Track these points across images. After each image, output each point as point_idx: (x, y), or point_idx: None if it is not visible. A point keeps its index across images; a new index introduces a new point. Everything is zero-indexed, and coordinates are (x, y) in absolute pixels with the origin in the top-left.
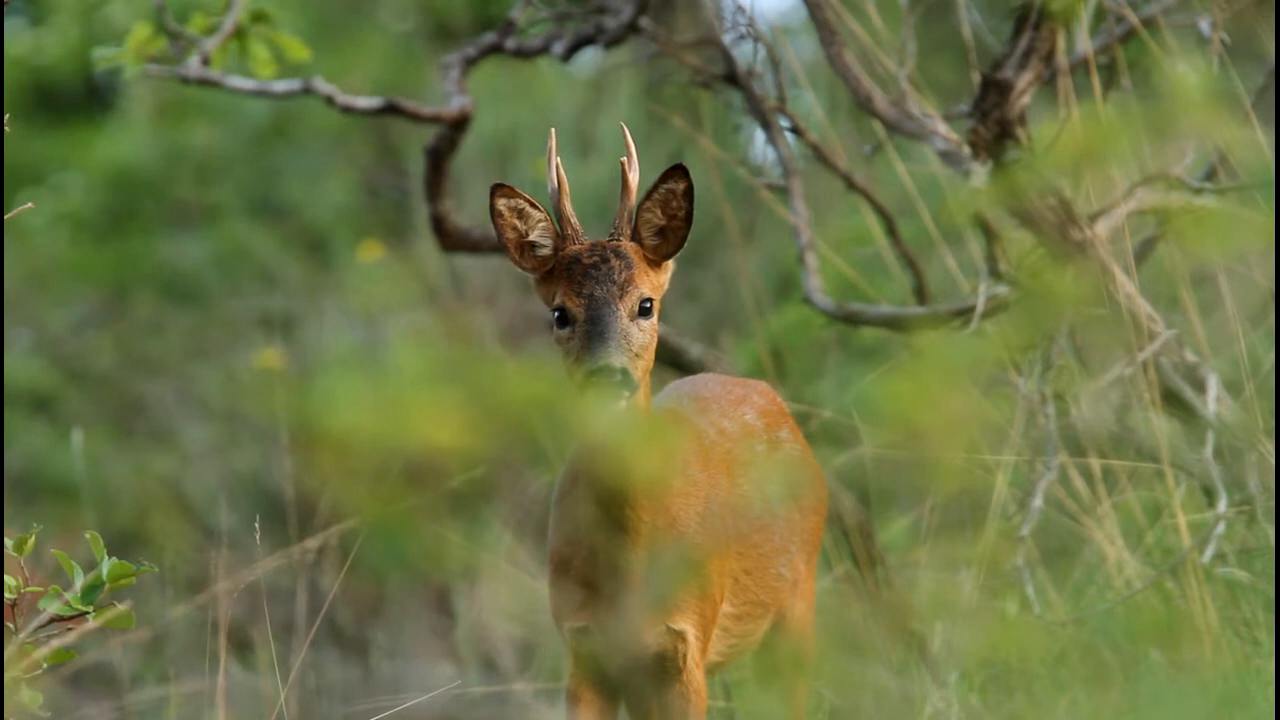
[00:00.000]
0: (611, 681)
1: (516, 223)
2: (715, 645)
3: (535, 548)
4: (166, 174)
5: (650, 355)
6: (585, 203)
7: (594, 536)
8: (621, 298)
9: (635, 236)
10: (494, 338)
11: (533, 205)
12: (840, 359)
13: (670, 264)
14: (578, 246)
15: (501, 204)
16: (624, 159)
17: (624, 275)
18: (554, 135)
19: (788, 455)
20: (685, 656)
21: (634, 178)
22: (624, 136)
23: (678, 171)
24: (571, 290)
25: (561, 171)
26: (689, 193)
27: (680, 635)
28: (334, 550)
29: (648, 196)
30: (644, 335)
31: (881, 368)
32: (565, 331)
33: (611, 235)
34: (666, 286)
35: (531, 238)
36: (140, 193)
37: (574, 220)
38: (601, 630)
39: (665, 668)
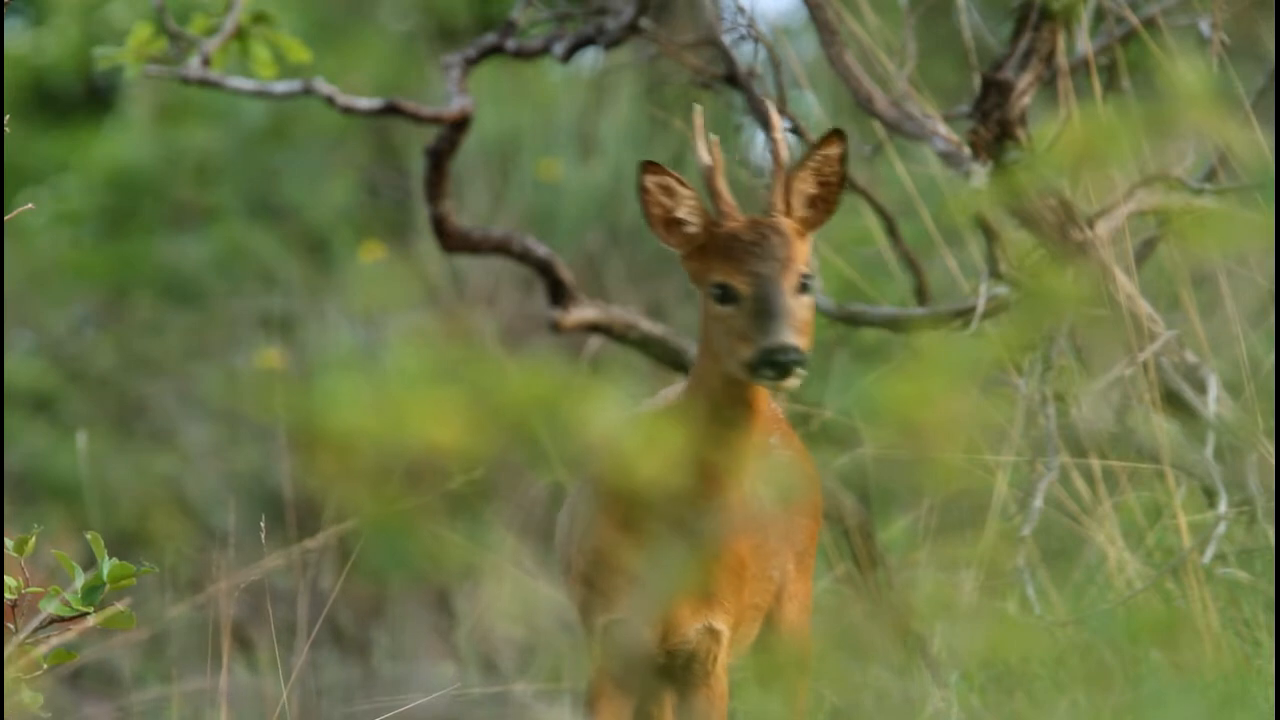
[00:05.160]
0: (634, 684)
1: (664, 200)
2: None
3: (536, 548)
4: (166, 175)
5: (811, 333)
6: (587, 202)
7: (649, 533)
8: (784, 274)
9: (786, 209)
10: (494, 338)
11: (680, 183)
12: (841, 359)
13: (811, 234)
14: (735, 224)
15: (649, 181)
16: (775, 135)
17: (785, 252)
18: (699, 113)
19: (776, 460)
20: (716, 659)
21: (784, 152)
22: (770, 113)
23: (835, 136)
24: (733, 268)
25: (717, 149)
26: (845, 157)
27: (716, 636)
28: (335, 550)
29: (801, 165)
30: (805, 311)
31: (882, 368)
32: (728, 309)
33: (766, 210)
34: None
35: (679, 215)
36: (140, 193)
37: (728, 196)
38: (641, 622)
39: (694, 670)
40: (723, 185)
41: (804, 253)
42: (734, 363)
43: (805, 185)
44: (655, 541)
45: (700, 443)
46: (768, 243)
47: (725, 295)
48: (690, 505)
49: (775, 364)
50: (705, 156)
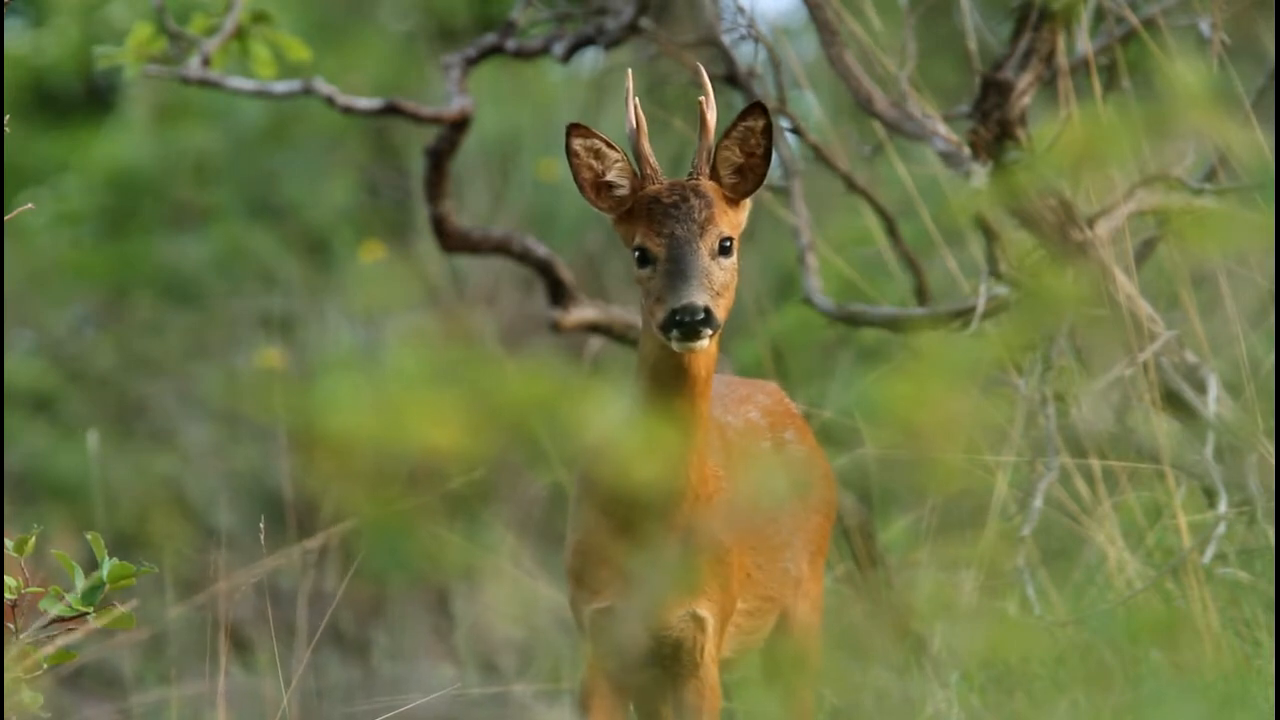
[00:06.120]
0: (627, 676)
1: (593, 162)
2: (728, 641)
3: (536, 548)
4: (166, 175)
5: (731, 295)
6: (587, 203)
7: (626, 520)
8: (702, 236)
9: (713, 175)
10: (494, 338)
11: (609, 145)
12: (841, 360)
13: (748, 202)
14: (657, 186)
15: (577, 144)
16: (701, 99)
17: (704, 214)
18: (630, 76)
19: (792, 455)
20: (703, 649)
21: (711, 117)
22: (701, 76)
23: (756, 109)
24: (652, 230)
25: (640, 112)
26: (768, 130)
27: (701, 624)
28: (335, 551)
29: (726, 135)
30: (724, 274)
31: (882, 368)
32: (646, 271)
33: (690, 175)
34: (744, 225)
35: (608, 178)
36: (140, 193)
37: (653, 160)
38: (626, 609)
39: (682, 660)
40: (647, 148)
41: (730, 217)
42: (654, 326)
43: (732, 154)
44: (635, 530)
45: (645, 415)
46: (686, 204)
47: (643, 258)
48: (654, 487)
49: (682, 324)
50: (630, 119)
